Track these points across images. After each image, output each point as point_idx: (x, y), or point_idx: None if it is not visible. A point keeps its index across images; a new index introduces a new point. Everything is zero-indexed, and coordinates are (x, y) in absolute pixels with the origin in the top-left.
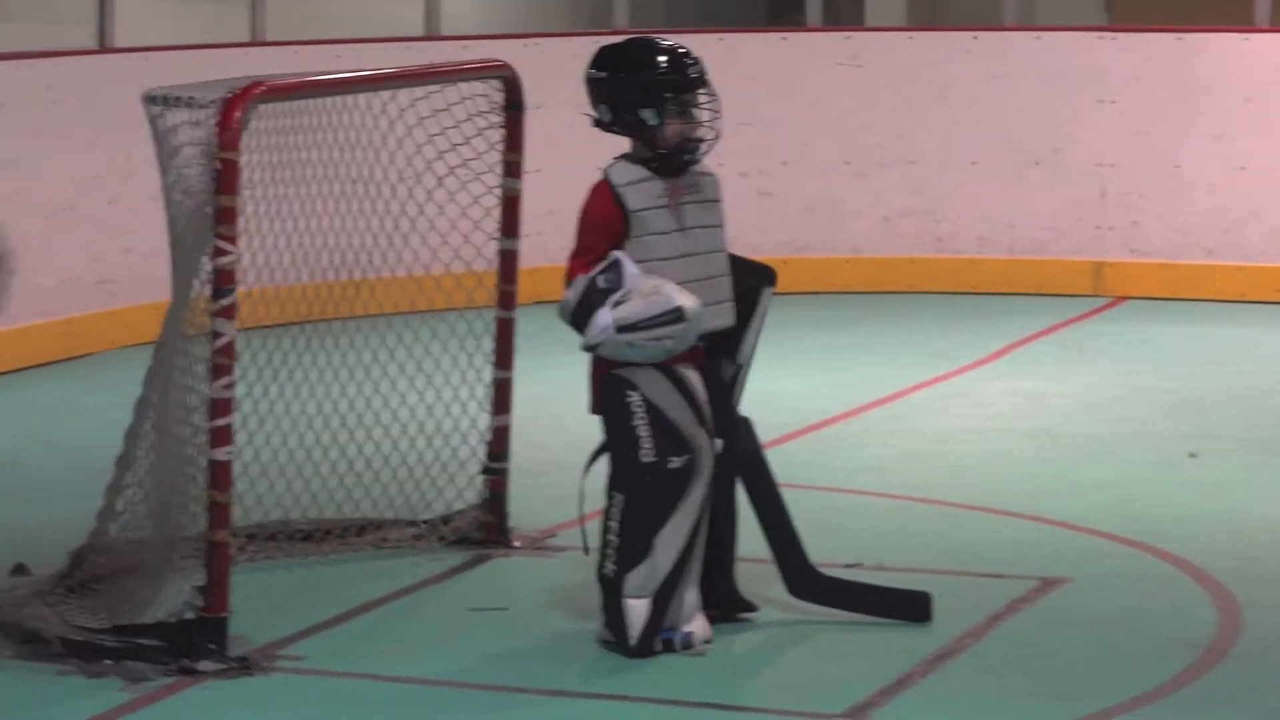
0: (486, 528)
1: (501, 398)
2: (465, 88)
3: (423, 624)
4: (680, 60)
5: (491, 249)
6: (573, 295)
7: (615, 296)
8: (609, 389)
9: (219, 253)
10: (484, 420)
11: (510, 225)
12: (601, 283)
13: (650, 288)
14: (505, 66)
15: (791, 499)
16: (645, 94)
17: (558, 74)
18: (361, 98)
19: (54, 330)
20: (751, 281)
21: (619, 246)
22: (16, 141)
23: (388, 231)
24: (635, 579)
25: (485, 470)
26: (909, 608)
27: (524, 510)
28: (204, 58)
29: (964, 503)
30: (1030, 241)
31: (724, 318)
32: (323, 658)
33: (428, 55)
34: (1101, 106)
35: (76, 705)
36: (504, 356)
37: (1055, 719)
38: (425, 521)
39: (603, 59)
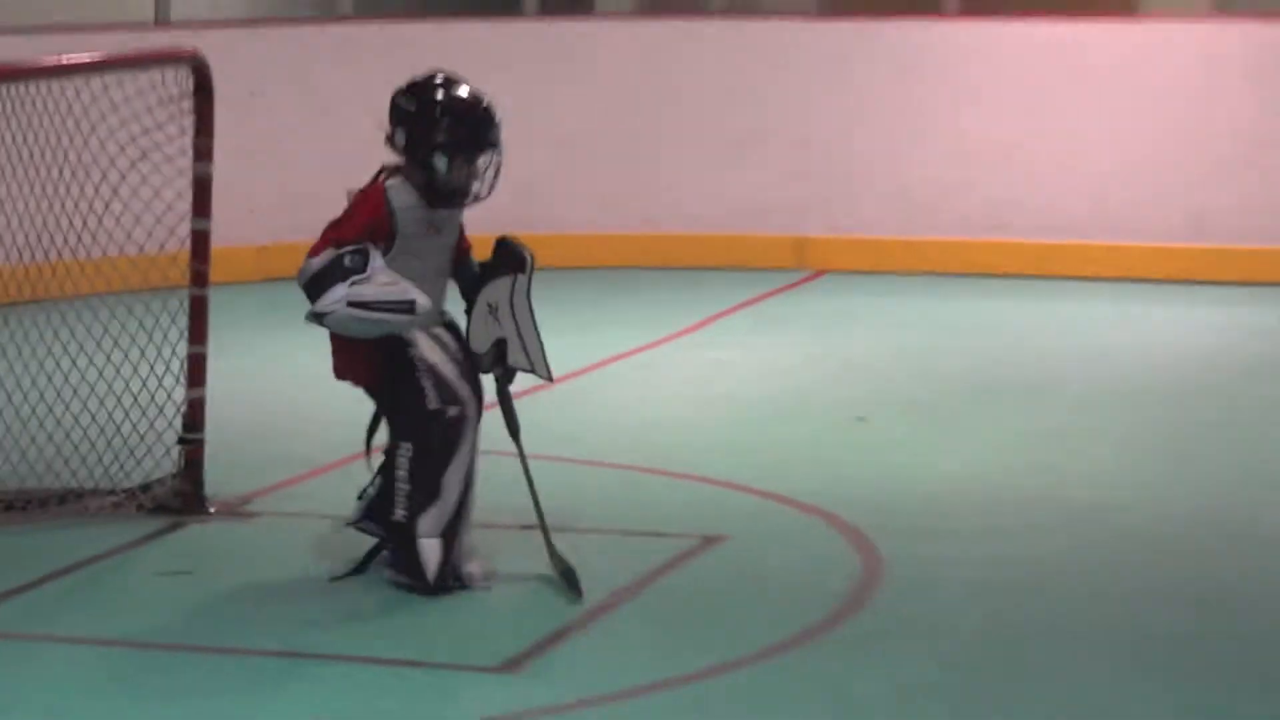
0: (183, 495)
1: (196, 371)
2: (160, 74)
3: (114, 588)
4: (482, 119)
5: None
6: (317, 263)
7: (355, 277)
8: (391, 348)
9: None
10: (180, 393)
11: (202, 206)
12: (347, 261)
13: (389, 278)
14: (194, 54)
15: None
16: (444, 143)
17: (281, 61)
18: (68, 84)
19: None
20: (488, 280)
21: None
22: None
23: (84, 215)
24: (427, 520)
25: (181, 440)
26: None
27: (222, 479)
28: None
29: (640, 466)
30: (737, 218)
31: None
32: (11, 622)
33: (155, 42)
34: (806, 91)
35: None
36: (198, 332)
37: (698, 667)
38: (124, 490)
39: (415, 92)
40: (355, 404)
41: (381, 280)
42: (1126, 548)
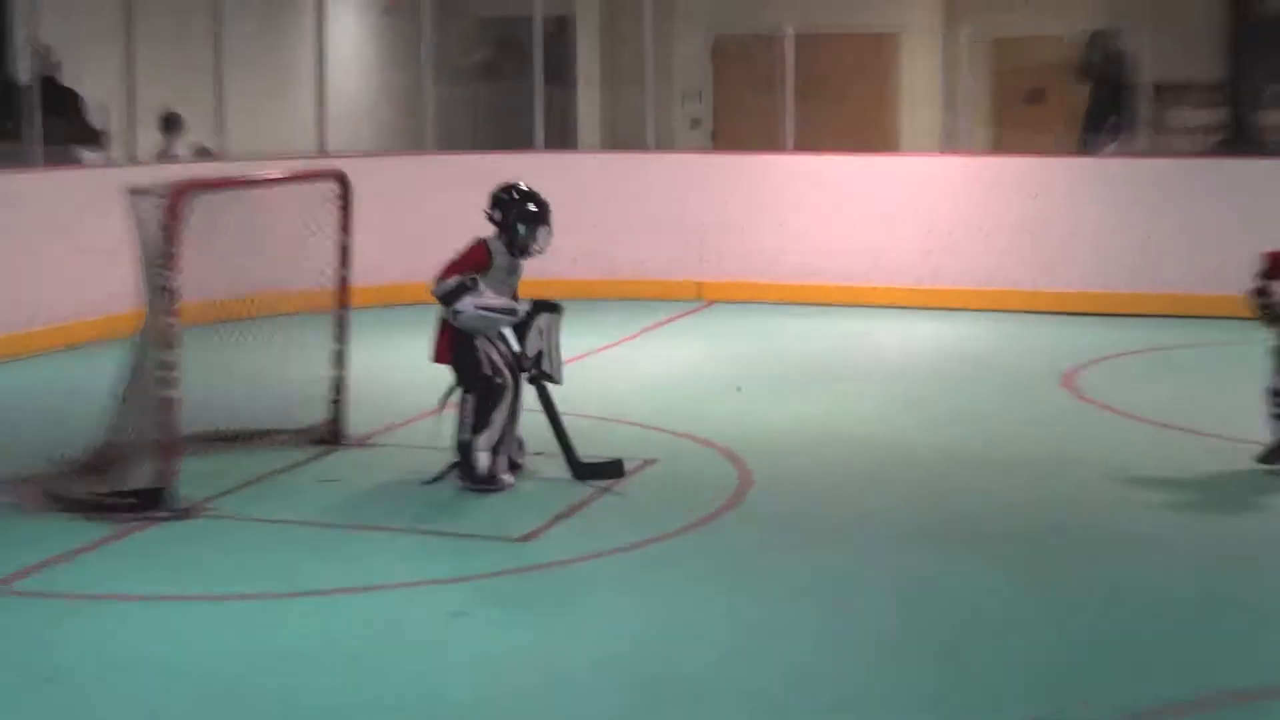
0: (332, 433)
1: (339, 360)
2: (320, 184)
3: (291, 489)
4: (542, 207)
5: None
6: (450, 283)
7: (474, 292)
8: (463, 339)
9: (167, 282)
10: (329, 371)
11: (344, 261)
12: (469, 284)
13: (496, 294)
14: (340, 173)
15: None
16: (522, 219)
17: (392, 177)
18: (265, 191)
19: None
20: (540, 312)
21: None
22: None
23: (275, 266)
24: (481, 439)
25: (331, 400)
26: (613, 470)
27: (354, 424)
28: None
29: (610, 417)
30: (661, 269)
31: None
32: (232, 509)
33: (317, 164)
34: (701, 195)
35: (89, 533)
36: (341, 335)
37: (643, 538)
38: (296, 430)
39: (507, 191)
40: (432, 381)
41: (492, 294)
42: (900, 462)
